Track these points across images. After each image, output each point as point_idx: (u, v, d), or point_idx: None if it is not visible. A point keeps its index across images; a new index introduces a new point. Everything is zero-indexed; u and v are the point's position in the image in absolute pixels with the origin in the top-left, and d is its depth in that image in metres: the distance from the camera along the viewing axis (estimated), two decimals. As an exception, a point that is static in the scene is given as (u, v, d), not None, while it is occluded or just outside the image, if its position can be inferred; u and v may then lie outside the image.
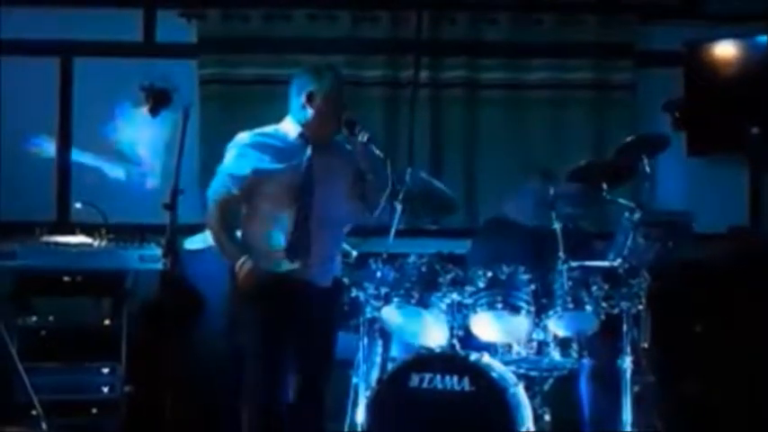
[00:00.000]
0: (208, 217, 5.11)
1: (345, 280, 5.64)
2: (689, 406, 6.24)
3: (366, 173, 5.09)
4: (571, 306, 5.43)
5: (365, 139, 5.02)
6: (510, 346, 5.55)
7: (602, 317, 5.47)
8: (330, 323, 5.21)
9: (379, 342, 5.78)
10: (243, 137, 5.08)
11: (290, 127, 5.13)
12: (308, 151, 5.06)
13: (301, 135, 5.09)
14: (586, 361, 5.55)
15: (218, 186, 5.06)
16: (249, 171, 5.00)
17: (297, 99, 5.12)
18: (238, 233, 5.11)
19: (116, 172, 7.51)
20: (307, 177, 5.03)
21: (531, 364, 5.54)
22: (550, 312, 5.45)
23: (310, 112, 5.07)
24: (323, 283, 5.10)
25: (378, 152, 5.05)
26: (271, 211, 5.04)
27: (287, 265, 5.00)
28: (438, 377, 5.28)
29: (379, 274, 5.56)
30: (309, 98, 5.07)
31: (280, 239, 5.01)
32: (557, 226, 5.52)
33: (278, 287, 4.96)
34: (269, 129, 5.16)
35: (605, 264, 5.57)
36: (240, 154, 5.03)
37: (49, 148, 7.53)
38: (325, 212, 5.06)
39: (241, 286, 4.94)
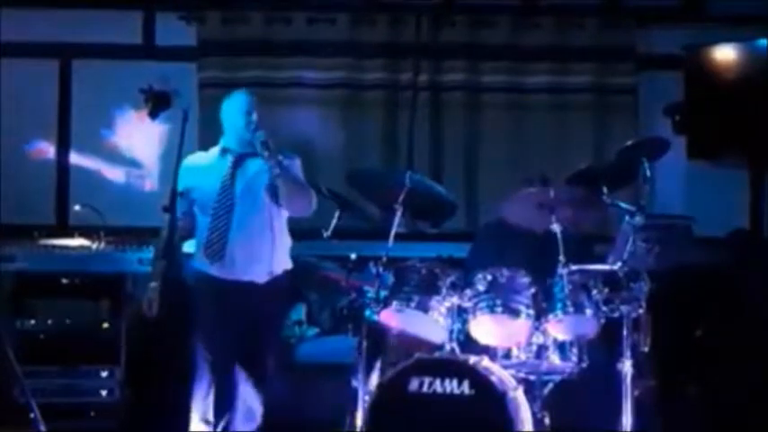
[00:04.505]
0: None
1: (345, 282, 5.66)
2: (689, 410, 6.23)
3: (274, 179, 5.56)
4: (571, 310, 5.41)
5: (260, 138, 5.52)
6: (509, 350, 5.53)
7: (602, 320, 5.45)
8: (263, 317, 5.68)
9: (379, 346, 5.76)
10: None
11: (215, 148, 5.82)
12: (228, 162, 5.67)
13: (222, 150, 5.73)
14: (586, 365, 5.52)
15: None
16: (182, 188, 5.51)
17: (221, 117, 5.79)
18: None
19: (115, 175, 7.51)
20: (225, 185, 5.62)
21: (531, 367, 5.52)
22: (550, 316, 5.42)
23: (225, 127, 5.75)
24: (254, 279, 5.61)
25: (265, 153, 5.49)
26: (201, 217, 5.65)
27: (210, 266, 5.58)
28: (437, 381, 5.25)
29: (378, 277, 5.54)
30: (223, 115, 5.77)
31: (207, 239, 5.60)
32: (557, 229, 5.50)
33: (207, 287, 5.62)
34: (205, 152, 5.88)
35: (605, 267, 5.54)
36: (179, 176, 5.48)
37: (48, 150, 7.53)
38: (248, 215, 5.61)
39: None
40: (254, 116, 5.68)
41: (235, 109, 5.73)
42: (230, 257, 5.59)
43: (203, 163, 5.76)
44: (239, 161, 5.70)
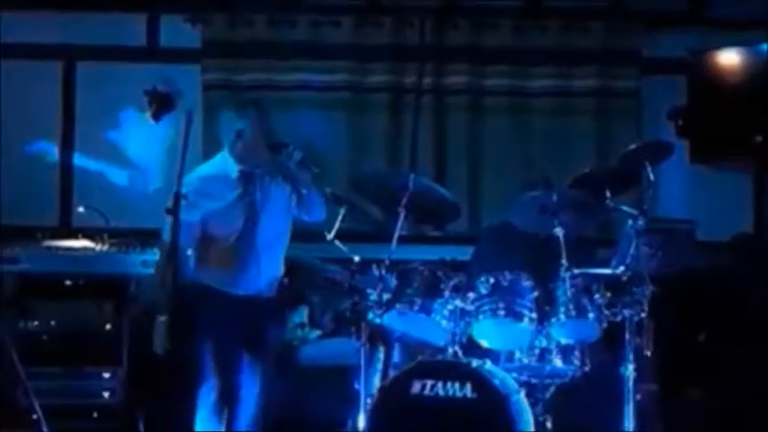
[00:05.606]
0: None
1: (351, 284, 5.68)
2: (692, 414, 6.23)
3: (300, 188, 5.64)
4: (573, 313, 5.41)
5: (298, 158, 5.50)
6: (512, 354, 5.53)
7: (605, 324, 5.45)
8: (275, 330, 5.84)
9: (381, 349, 5.77)
10: (189, 182, 5.26)
11: (228, 164, 5.63)
12: (251, 184, 5.61)
13: (241, 172, 5.60)
14: (588, 368, 5.52)
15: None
16: (199, 217, 5.46)
17: (227, 136, 5.62)
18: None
19: (119, 176, 7.52)
20: (251, 209, 5.58)
21: (533, 371, 5.52)
22: (553, 320, 5.43)
23: (241, 146, 5.56)
24: (269, 294, 5.67)
25: (314, 169, 5.56)
26: (222, 240, 5.56)
27: (236, 286, 5.56)
28: (440, 384, 5.26)
29: (381, 280, 5.54)
30: (239, 134, 5.56)
31: (229, 265, 5.55)
32: (559, 233, 5.50)
33: (216, 298, 5.53)
34: (211, 170, 5.68)
35: (608, 271, 5.54)
36: (190, 203, 5.15)
37: (52, 152, 7.54)
38: (270, 234, 5.63)
39: None
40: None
41: (258, 129, 5.60)
42: (255, 276, 5.63)
43: (220, 185, 5.64)
44: (259, 181, 5.67)
